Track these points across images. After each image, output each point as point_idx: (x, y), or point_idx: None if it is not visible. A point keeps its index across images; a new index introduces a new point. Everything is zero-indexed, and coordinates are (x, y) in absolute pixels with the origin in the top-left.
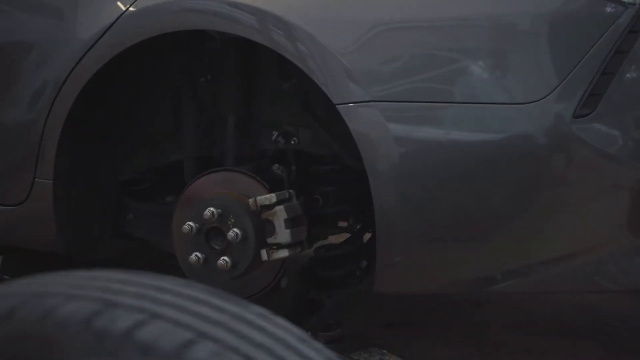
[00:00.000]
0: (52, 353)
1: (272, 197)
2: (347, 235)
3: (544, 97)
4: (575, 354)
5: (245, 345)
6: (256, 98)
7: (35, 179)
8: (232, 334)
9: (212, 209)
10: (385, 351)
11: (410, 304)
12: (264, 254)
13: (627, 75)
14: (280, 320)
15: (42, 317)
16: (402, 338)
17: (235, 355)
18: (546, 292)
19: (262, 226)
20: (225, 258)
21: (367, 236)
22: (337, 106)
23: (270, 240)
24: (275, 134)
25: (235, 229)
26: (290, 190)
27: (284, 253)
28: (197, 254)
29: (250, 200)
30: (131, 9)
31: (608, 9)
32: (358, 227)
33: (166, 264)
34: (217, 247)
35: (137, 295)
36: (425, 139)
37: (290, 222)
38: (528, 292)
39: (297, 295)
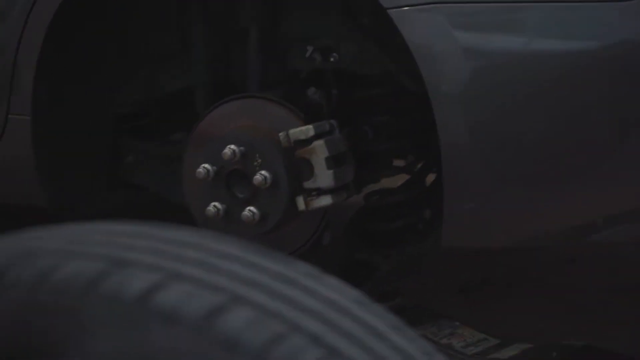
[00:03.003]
0: (52, 325)
1: (308, 130)
2: (405, 177)
3: None
4: None
5: (290, 310)
6: (284, 4)
7: (9, 115)
8: (272, 298)
9: (233, 146)
10: (458, 323)
11: (486, 264)
12: (300, 201)
13: None
14: (333, 281)
15: (37, 280)
16: (478, 306)
17: (277, 323)
18: None
19: (297, 167)
20: (252, 209)
21: (430, 178)
22: (388, 11)
23: (307, 184)
24: (310, 49)
25: (263, 172)
26: (332, 121)
27: (326, 200)
28: (216, 204)
29: (281, 134)
30: None
31: None
32: (419, 166)
33: (176, 218)
34: (240, 195)
35: (151, 250)
36: (502, 51)
37: (333, 161)
38: (636, 241)
39: (345, 255)
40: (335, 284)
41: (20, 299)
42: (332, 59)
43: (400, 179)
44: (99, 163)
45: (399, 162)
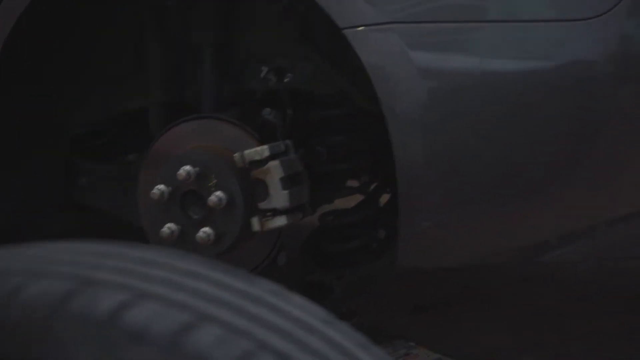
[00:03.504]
0: (20, 343)
1: (263, 150)
2: (359, 197)
3: (608, 11)
4: None
5: (258, 328)
6: (239, 25)
7: None
8: (240, 316)
9: (187, 167)
10: (413, 343)
11: (441, 282)
12: (255, 222)
13: None
14: (298, 299)
15: (4, 300)
16: (433, 325)
17: (247, 341)
18: (614, 259)
19: (252, 188)
20: (207, 229)
21: (384, 198)
22: (343, 31)
23: (263, 205)
24: (265, 69)
25: (218, 193)
26: (287, 141)
27: (281, 221)
28: (171, 225)
29: (236, 155)
30: None
31: None
32: (373, 187)
33: (130, 239)
34: (195, 216)
35: (118, 270)
36: (458, 71)
37: (288, 181)
38: (591, 259)
39: (300, 276)
40: (301, 302)
41: None
42: (287, 79)
43: (354, 200)
44: (53, 184)
45: (352, 182)
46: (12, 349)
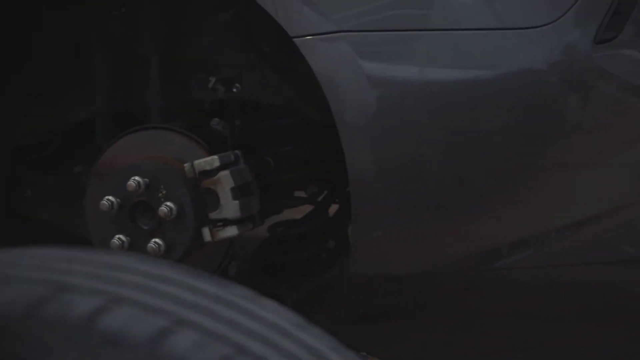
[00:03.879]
0: None
1: (214, 160)
2: (306, 209)
3: (555, 20)
4: (596, 345)
5: (234, 332)
6: (185, 34)
7: None
8: (216, 320)
9: (137, 178)
10: (364, 353)
11: (387, 292)
12: (206, 233)
13: None
14: (270, 303)
15: None
16: (382, 334)
17: (224, 346)
18: (563, 266)
19: (202, 198)
20: (157, 240)
21: (333, 209)
22: (294, 39)
23: (213, 215)
24: (213, 79)
25: (168, 203)
26: (236, 151)
27: (232, 231)
28: (121, 236)
29: (185, 165)
30: None
31: None
32: (321, 197)
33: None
34: (145, 227)
35: (90, 275)
36: (404, 80)
37: (239, 192)
38: (540, 266)
39: (250, 287)
40: (273, 306)
41: None
42: (234, 89)
43: (300, 210)
44: None
45: (299, 193)
46: None
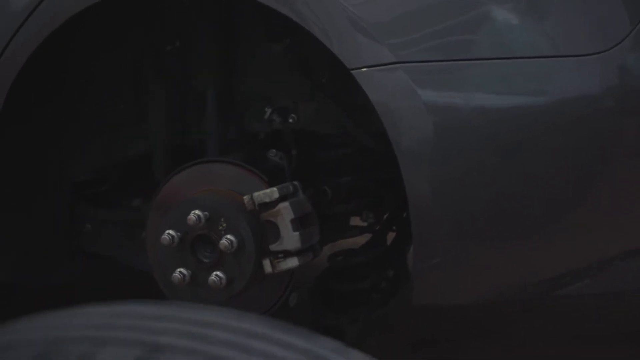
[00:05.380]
0: None
1: (273, 192)
2: (359, 240)
3: (612, 47)
4: None
5: None
6: (240, 66)
7: None
8: None
9: (197, 211)
10: None
11: (442, 317)
12: (267, 265)
13: None
14: (357, 353)
15: None
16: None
17: None
18: (627, 292)
19: (262, 230)
20: (219, 273)
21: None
22: (352, 72)
23: (274, 247)
24: (269, 110)
25: (228, 236)
26: (295, 182)
27: (293, 262)
28: (182, 270)
29: (245, 197)
30: None
31: None
32: (378, 226)
33: (139, 286)
34: (206, 260)
35: (183, 333)
36: (463, 106)
37: (299, 223)
38: (605, 292)
39: (311, 319)
40: (360, 356)
41: None
42: (291, 120)
43: (359, 240)
44: (58, 232)
45: (357, 222)
46: None
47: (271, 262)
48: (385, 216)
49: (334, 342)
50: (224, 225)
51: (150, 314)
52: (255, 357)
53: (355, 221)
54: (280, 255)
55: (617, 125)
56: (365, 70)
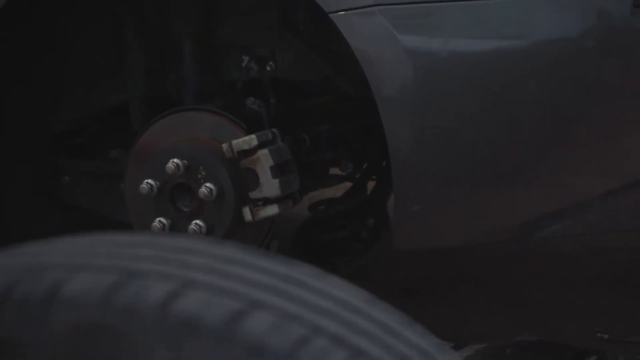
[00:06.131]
0: (69, 339)
1: (252, 139)
2: (338, 188)
3: None
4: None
5: (308, 312)
6: (218, 15)
7: None
8: (288, 300)
9: (176, 160)
10: None
11: (427, 264)
12: (247, 212)
13: None
14: (338, 280)
15: (47, 296)
16: (423, 309)
17: (300, 326)
18: (607, 232)
19: (242, 177)
20: (198, 222)
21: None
22: (330, 15)
23: (253, 194)
24: (246, 59)
25: (207, 184)
26: (274, 130)
27: (272, 210)
28: (161, 219)
29: (224, 145)
30: None
31: None
32: (358, 174)
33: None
34: (186, 209)
35: (158, 259)
36: (442, 50)
37: (278, 170)
38: (584, 234)
39: None
40: (341, 283)
41: (30, 315)
42: (269, 68)
43: (335, 189)
44: (37, 184)
45: (335, 170)
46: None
47: (251, 210)
48: (365, 165)
49: (314, 267)
50: (203, 173)
51: (128, 242)
52: (233, 282)
53: (336, 172)
54: (259, 203)
55: (598, 64)
56: (343, 14)
